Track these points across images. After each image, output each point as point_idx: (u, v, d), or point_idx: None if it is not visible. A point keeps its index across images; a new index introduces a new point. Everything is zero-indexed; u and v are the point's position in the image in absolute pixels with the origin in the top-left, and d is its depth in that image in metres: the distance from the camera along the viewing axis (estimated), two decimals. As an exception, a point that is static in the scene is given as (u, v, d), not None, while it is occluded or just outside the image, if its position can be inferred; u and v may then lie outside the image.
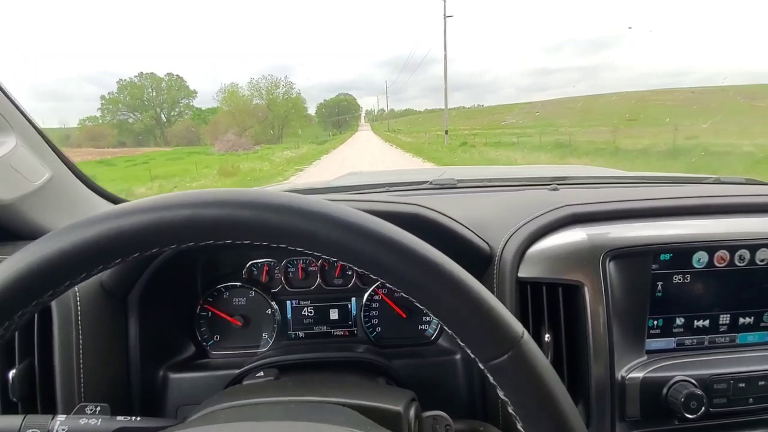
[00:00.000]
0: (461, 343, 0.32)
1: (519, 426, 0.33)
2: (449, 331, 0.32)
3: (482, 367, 0.32)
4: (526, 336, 0.32)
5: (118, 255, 0.32)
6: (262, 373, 0.63)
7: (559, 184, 1.02)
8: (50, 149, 0.77)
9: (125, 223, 0.31)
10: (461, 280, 0.32)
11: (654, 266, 0.64)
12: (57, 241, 0.30)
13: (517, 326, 0.32)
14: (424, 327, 0.83)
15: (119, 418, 0.52)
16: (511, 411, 0.32)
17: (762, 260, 0.66)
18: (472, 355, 0.32)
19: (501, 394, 0.32)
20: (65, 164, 0.80)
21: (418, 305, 0.32)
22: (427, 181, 1.12)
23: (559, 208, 0.69)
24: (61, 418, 0.50)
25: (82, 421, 0.51)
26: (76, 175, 0.82)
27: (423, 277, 0.31)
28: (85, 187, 0.85)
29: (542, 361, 0.32)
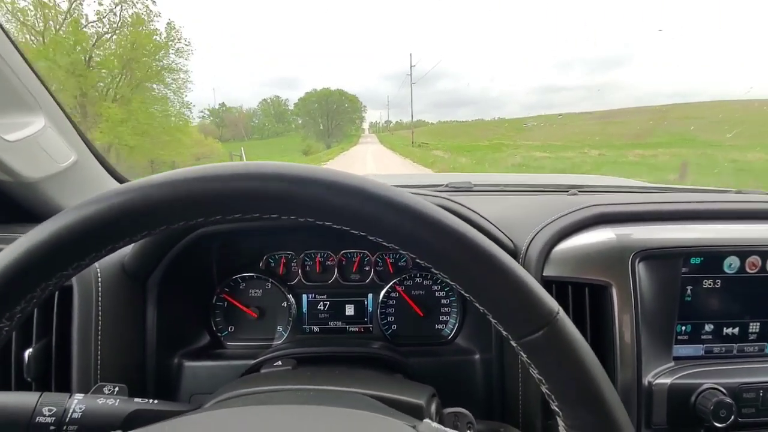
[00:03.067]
0: (493, 320, 0.31)
1: (554, 406, 0.32)
2: (481, 307, 0.31)
3: (515, 345, 0.31)
4: (562, 312, 0.31)
5: (158, 223, 0.31)
6: (280, 363, 0.62)
7: (577, 191, 1.01)
8: (76, 133, 0.77)
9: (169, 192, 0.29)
10: (494, 255, 0.31)
11: (684, 269, 0.63)
12: (83, 210, 0.29)
13: (552, 302, 0.31)
14: (440, 326, 0.82)
15: (136, 399, 0.51)
16: (545, 390, 0.31)
17: (793, 268, 0.64)
18: (505, 332, 0.31)
19: (535, 373, 0.31)
20: (89, 148, 0.80)
21: (448, 281, 0.31)
22: (443, 184, 1.12)
23: (586, 207, 0.68)
24: (78, 396, 0.49)
25: (100, 401, 0.50)
26: (99, 160, 0.83)
27: (456, 251, 0.30)
28: (106, 173, 0.85)
29: (578, 337, 0.31)
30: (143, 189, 0.30)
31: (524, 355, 0.31)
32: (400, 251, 0.31)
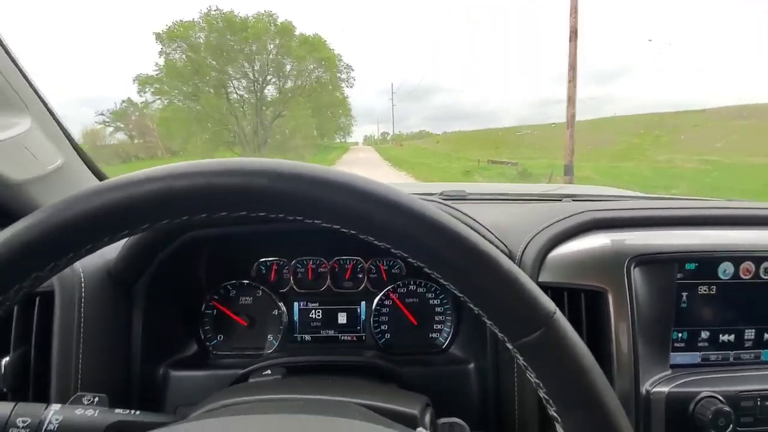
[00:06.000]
0: (488, 322, 0.31)
1: (551, 411, 0.30)
2: (475, 308, 0.30)
3: (511, 347, 0.30)
4: (559, 313, 0.30)
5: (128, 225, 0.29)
6: (269, 371, 0.60)
7: (572, 199, 1.01)
8: (64, 136, 0.76)
9: (137, 191, 0.28)
10: (490, 254, 0.30)
11: (679, 275, 0.63)
12: (67, 205, 0.28)
13: (549, 303, 0.30)
14: (435, 335, 0.80)
15: (117, 410, 0.49)
16: (542, 395, 0.30)
17: (788, 275, 0.64)
18: (501, 335, 0.31)
19: (532, 376, 0.30)
20: (77, 152, 0.79)
21: (442, 281, 0.30)
22: (437, 193, 1.11)
23: (581, 213, 0.68)
24: (55, 407, 0.47)
25: (78, 411, 0.47)
26: (86, 164, 0.81)
27: (449, 250, 0.29)
28: (93, 176, 0.83)
29: (576, 339, 0.30)
30: (125, 186, 0.28)
31: (521, 359, 0.30)
32: (393, 251, 0.30)
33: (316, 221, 0.30)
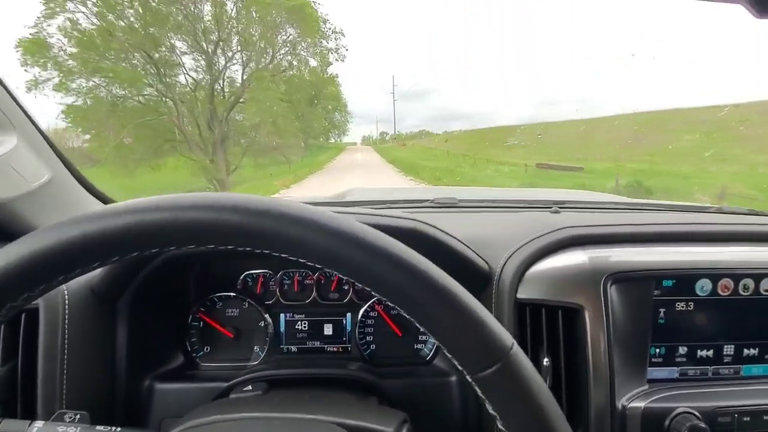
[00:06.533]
0: (448, 354, 0.31)
1: None
2: (435, 340, 0.31)
3: (470, 380, 0.31)
4: (516, 348, 0.31)
5: (101, 257, 0.31)
6: (250, 387, 0.61)
7: (560, 207, 1.01)
8: (51, 150, 0.77)
9: (110, 224, 0.30)
10: (448, 288, 0.31)
11: (656, 292, 0.63)
12: (50, 233, 0.30)
13: (507, 337, 0.31)
14: (419, 346, 0.81)
15: (98, 427, 0.50)
16: (500, 426, 0.31)
17: (766, 290, 0.64)
18: (460, 367, 0.31)
19: (489, 408, 0.31)
20: (66, 166, 0.80)
21: (404, 314, 0.31)
22: (428, 200, 1.12)
23: (559, 229, 0.68)
24: (38, 424, 0.48)
25: (60, 428, 0.49)
26: (75, 178, 0.82)
27: (408, 283, 0.30)
28: (83, 190, 0.84)
29: (533, 374, 0.31)
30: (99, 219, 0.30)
31: (479, 391, 0.31)
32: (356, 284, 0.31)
33: (275, 252, 0.31)
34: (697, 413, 0.59)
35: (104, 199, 0.89)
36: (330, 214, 0.31)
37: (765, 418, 0.60)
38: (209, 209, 0.30)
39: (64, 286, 0.60)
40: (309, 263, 0.31)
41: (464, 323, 0.30)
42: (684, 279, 0.63)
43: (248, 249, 0.31)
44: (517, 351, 0.31)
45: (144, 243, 0.31)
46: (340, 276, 0.31)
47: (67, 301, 0.59)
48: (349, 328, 0.81)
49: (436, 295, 0.30)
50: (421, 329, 0.31)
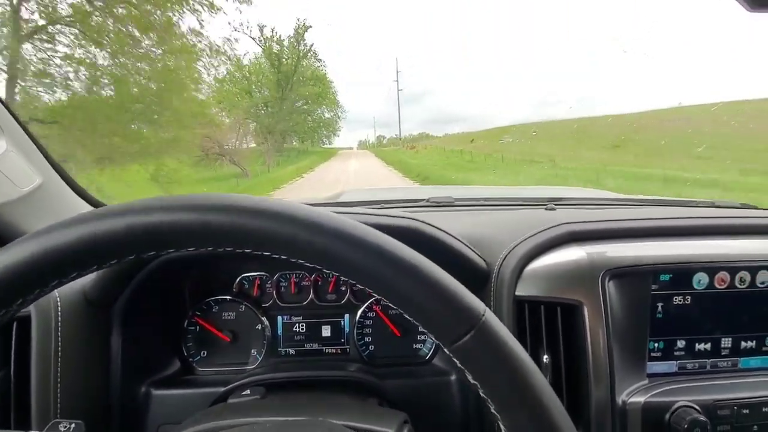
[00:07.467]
0: (424, 329, 0.31)
1: (492, 409, 0.31)
2: (411, 318, 0.31)
3: (448, 352, 0.31)
4: (489, 313, 0.31)
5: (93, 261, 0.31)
6: (248, 391, 0.61)
7: (555, 204, 1.01)
8: (41, 155, 0.76)
9: (100, 228, 0.30)
10: (414, 262, 0.31)
11: (654, 287, 0.63)
12: (45, 236, 0.29)
13: (478, 304, 0.31)
14: (418, 346, 0.81)
15: None
16: (482, 394, 0.31)
17: (762, 283, 0.65)
18: (437, 341, 0.31)
19: (470, 378, 0.31)
20: (56, 170, 0.78)
21: (376, 295, 0.31)
22: (424, 199, 1.12)
23: (557, 225, 0.68)
24: None
25: None
26: (66, 182, 0.81)
27: (375, 264, 0.30)
28: (74, 194, 0.83)
29: (508, 337, 0.31)
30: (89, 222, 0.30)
31: (458, 362, 0.31)
32: (324, 271, 0.31)
33: (245, 250, 0.31)
34: (697, 407, 0.59)
35: (95, 204, 0.88)
36: (288, 203, 0.32)
37: (764, 410, 0.60)
38: (211, 210, 0.31)
39: (56, 292, 0.59)
40: (273, 255, 0.31)
41: (434, 295, 0.30)
42: (681, 273, 0.63)
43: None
44: (490, 316, 0.31)
45: (142, 244, 0.30)
46: (308, 265, 0.31)
47: (59, 308, 0.58)
48: (347, 329, 0.81)
49: (403, 272, 0.30)
50: (397, 310, 0.31)
